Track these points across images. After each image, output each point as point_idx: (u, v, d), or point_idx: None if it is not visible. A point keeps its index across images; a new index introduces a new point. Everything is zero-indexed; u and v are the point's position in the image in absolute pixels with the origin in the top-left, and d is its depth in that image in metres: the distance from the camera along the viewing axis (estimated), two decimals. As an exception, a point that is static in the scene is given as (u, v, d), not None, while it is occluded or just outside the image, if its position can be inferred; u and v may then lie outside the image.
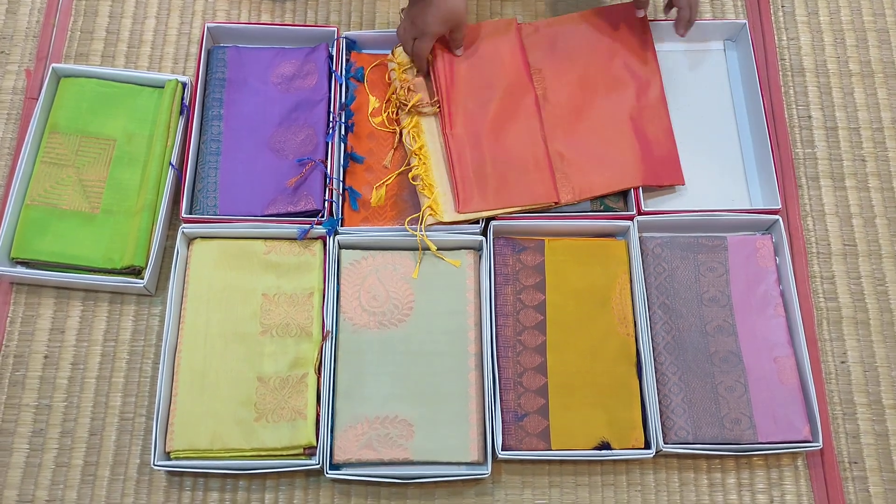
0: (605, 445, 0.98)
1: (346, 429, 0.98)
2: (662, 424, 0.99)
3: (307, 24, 1.23)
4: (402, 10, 1.12)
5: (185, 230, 1.05)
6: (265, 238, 1.07)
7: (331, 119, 1.13)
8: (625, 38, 1.16)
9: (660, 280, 1.06)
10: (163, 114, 1.12)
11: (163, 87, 1.14)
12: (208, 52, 1.17)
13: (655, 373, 1.02)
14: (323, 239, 1.07)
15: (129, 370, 1.05)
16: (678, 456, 1.02)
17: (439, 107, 1.10)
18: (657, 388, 1.01)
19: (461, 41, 1.11)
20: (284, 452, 0.97)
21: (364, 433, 0.98)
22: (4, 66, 1.19)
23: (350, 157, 1.11)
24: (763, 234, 1.10)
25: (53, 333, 1.06)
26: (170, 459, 0.97)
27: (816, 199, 1.16)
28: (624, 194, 1.11)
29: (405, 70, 1.13)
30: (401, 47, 1.13)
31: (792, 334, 1.04)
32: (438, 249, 1.07)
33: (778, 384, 1.02)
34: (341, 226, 1.07)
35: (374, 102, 1.14)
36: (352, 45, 1.18)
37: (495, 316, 1.04)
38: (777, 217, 1.08)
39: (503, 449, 0.98)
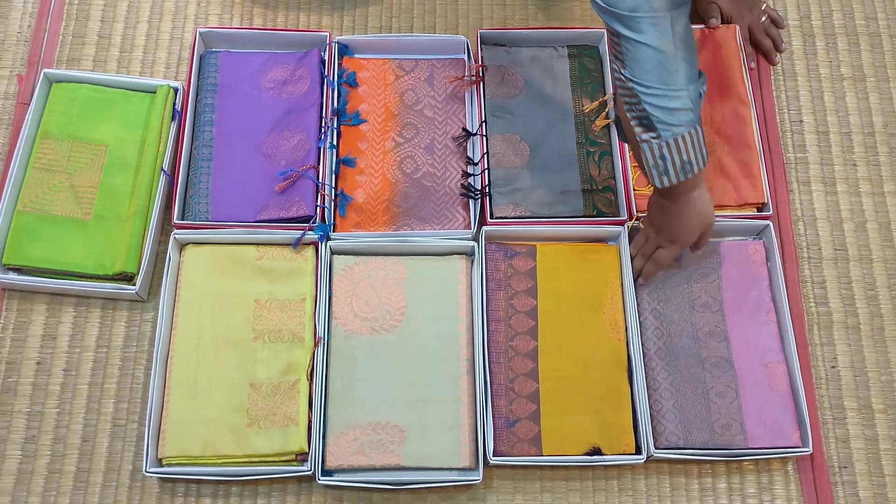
0: (596, 451, 0.99)
1: (338, 435, 0.98)
2: (653, 429, 1.00)
3: (299, 28, 1.23)
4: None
5: (176, 236, 1.05)
6: (257, 244, 1.07)
7: (323, 124, 1.13)
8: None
9: (652, 285, 1.07)
10: (155, 119, 1.12)
11: (154, 93, 1.14)
12: (200, 57, 1.17)
13: (647, 377, 1.02)
14: (315, 244, 1.07)
15: (122, 376, 1.05)
16: (669, 461, 1.02)
17: None
18: (648, 394, 1.01)
19: (705, 243, 1.03)
20: (276, 459, 0.98)
21: (356, 439, 0.98)
22: (-4, 70, 1.19)
23: (342, 162, 1.12)
24: (755, 239, 1.11)
25: (45, 340, 1.06)
26: (162, 466, 0.97)
27: (808, 204, 1.16)
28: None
29: None
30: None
31: (783, 339, 1.05)
32: (430, 255, 1.07)
33: (769, 390, 1.02)
34: (333, 231, 1.08)
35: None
36: (344, 49, 1.18)
37: (487, 321, 1.04)
38: (768, 222, 1.08)
39: (495, 454, 0.98)
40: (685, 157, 0.89)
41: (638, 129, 0.89)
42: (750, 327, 1.05)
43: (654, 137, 0.88)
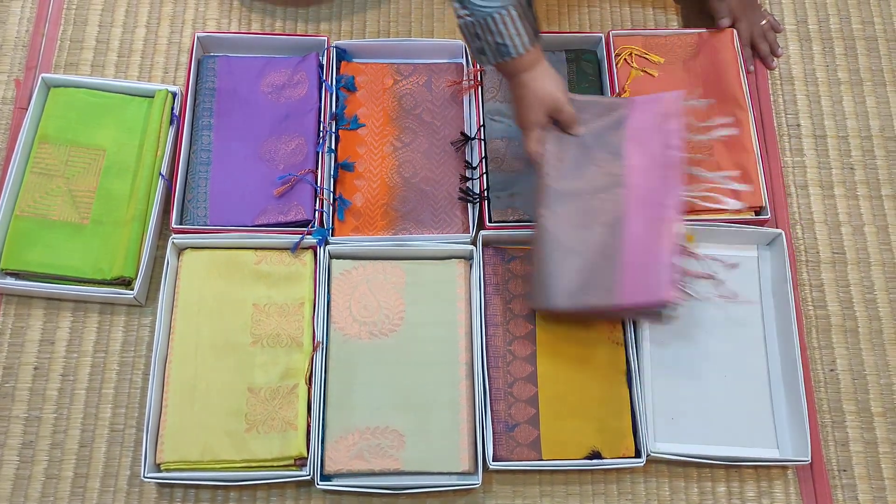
0: (595, 454, 0.98)
1: (336, 439, 0.98)
2: (538, 281, 0.97)
3: (297, 33, 1.23)
4: None
5: (175, 241, 1.05)
6: (255, 248, 1.07)
7: (321, 128, 1.13)
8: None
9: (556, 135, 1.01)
10: (153, 124, 1.11)
11: (153, 97, 1.14)
12: (198, 62, 1.17)
13: (539, 223, 0.97)
14: (314, 249, 1.07)
15: (120, 381, 1.04)
16: (669, 464, 1.02)
17: None
18: (549, 246, 0.97)
19: (571, 120, 1.00)
20: (275, 463, 0.97)
21: (355, 444, 0.98)
22: (-7, 75, 1.19)
23: (340, 166, 1.12)
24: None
25: (43, 345, 1.06)
26: (160, 471, 0.97)
27: (805, 208, 1.17)
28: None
29: None
30: None
31: (784, 342, 1.05)
32: (428, 259, 1.07)
33: (652, 248, 0.96)
34: (332, 235, 1.08)
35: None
36: (342, 54, 1.18)
37: (485, 326, 1.04)
38: (780, 231, 1.08)
39: (494, 459, 0.98)
40: (499, 40, 0.91)
41: (456, 6, 0.92)
42: (648, 185, 0.98)
43: (467, 15, 0.91)
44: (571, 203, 0.99)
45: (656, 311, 0.98)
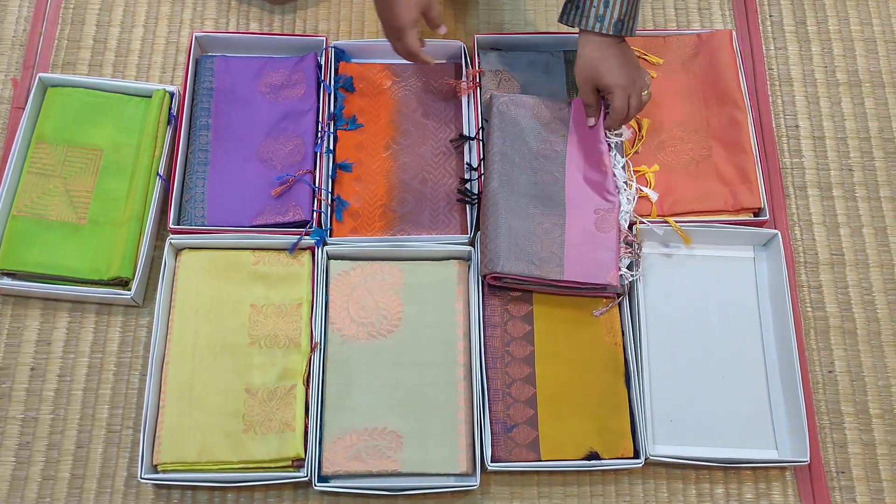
0: (593, 455, 0.98)
1: (334, 440, 0.98)
2: (486, 248, 1.03)
3: (296, 33, 1.23)
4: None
5: (172, 241, 1.05)
6: (253, 249, 1.07)
7: (319, 129, 1.13)
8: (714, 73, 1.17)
9: (502, 132, 1.10)
10: (150, 124, 1.11)
11: (150, 97, 1.13)
12: (196, 62, 1.16)
13: (486, 208, 1.05)
14: (311, 249, 1.07)
15: (117, 382, 1.04)
16: (667, 466, 1.02)
17: None
18: (488, 218, 1.04)
19: (438, 18, 1.03)
20: (273, 465, 0.97)
21: (353, 445, 0.98)
22: (-9, 75, 1.19)
23: (338, 167, 1.11)
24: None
25: (40, 345, 1.06)
26: (157, 472, 0.96)
27: (804, 209, 1.17)
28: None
29: None
30: None
31: (782, 344, 1.05)
32: (427, 260, 1.07)
33: (594, 231, 1.05)
34: (330, 236, 1.07)
35: None
36: (340, 54, 1.18)
37: (483, 326, 1.04)
38: (776, 232, 1.08)
39: (492, 460, 0.97)
40: None
41: None
42: (587, 176, 1.08)
43: None
44: (519, 178, 1.07)
45: (601, 291, 1.04)
